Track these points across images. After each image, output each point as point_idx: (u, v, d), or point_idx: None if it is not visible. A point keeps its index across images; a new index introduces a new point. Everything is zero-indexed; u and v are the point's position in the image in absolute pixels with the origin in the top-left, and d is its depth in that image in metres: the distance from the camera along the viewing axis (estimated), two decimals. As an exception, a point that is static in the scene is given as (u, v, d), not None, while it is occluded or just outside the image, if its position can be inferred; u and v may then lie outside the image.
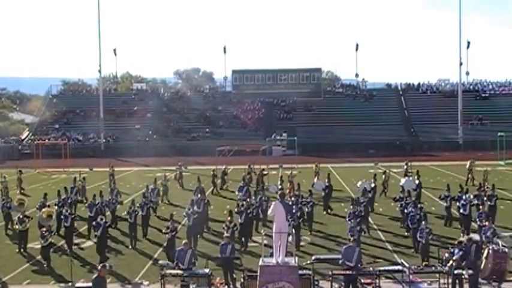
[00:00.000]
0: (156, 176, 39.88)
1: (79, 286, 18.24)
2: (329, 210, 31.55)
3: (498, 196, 29.00)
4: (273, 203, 16.96)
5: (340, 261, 18.04)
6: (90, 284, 18.43)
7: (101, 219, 22.86)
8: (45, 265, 21.94)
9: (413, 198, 28.94)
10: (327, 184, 33.13)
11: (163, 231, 22.68)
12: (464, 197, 26.51)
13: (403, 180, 34.78)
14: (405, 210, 25.84)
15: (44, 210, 25.18)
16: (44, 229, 22.53)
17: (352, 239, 18.99)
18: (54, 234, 23.55)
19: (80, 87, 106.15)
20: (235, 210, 24.89)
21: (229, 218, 23.14)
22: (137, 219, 25.91)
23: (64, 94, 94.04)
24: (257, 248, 22.30)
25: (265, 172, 41.58)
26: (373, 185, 32.97)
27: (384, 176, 37.33)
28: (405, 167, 43.19)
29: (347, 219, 24.32)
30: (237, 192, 32.77)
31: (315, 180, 36.50)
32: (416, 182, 33.85)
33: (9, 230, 28.25)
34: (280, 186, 32.63)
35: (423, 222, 21.71)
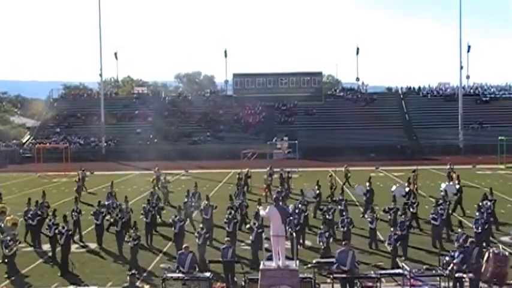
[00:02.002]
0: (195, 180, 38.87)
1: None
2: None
3: None
4: (268, 207, 17.00)
5: (335, 266, 18.02)
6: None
7: (63, 227, 22.23)
8: (8, 276, 21.39)
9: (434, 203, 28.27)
10: (368, 188, 32.34)
11: (126, 239, 22.47)
12: (481, 204, 26.18)
13: (443, 185, 34.05)
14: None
15: (8, 218, 24.37)
16: (8, 238, 21.79)
17: (344, 242, 18.97)
18: (19, 243, 23.08)
19: (81, 91, 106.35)
20: (225, 220, 24.68)
21: (201, 225, 22.95)
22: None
23: (65, 98, 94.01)
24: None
25: (290, 175, 41.53)
26: (407, 189, 32.42)
27: (413, 175, 37.28)
28: (448, 167, 43.08)
29: (339, 225, 24.13)
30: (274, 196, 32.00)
31: (356, 184, 36.02)
32: (457, 186, 32.99)
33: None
34: (317, 191, 32.04)
35: (392, 229, 21.89)
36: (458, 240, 20.33)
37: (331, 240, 21.81)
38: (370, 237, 24.53)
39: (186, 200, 29.44)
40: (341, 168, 42.83)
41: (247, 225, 23.29)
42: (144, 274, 20.67)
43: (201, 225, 22.97)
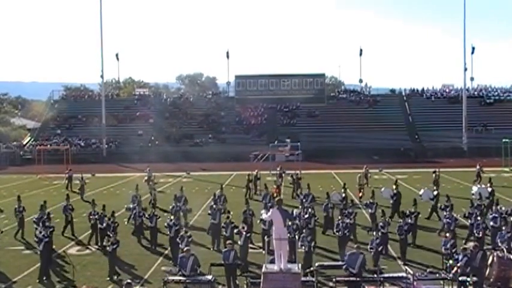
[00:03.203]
0: (220, 182, 37.84)
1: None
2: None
3: None
4: (271, 210, 16.81)
5: (344, 268, 18.06)
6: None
7: (40, 232, 21.86)
8: None
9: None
10: (395, 191, 31.82)
11: (104, 243, 22.14)
12: (494, 209, 25.66)
13: (475, 188, 33.64)
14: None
15: None
16: None
17: (356, 245, 18.81)
18: None
19: (82, 92, 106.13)
20: (222, 224, 24.31)
21: (184, 229, 22.58)
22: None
23: (66, 99, 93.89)
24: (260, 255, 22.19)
25: (299, 176, 41.19)
26: (435, 192, 31.95)
27: (434, 176, 36.84)
28: (477, 168, 42.72)
29: (334, 230, 23.70)
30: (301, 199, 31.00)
31: (383, 188, 35.35)
32: (489, 189, 32.28)
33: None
34: (343, 195, 31.44)
35: (374, 233, 21.78)
36: (446, 245, 20.21)
37: (313, 244, 21.50)
38: (382, 242, 24.15)
39: (212, 203, 28.93)
40: (361, 170, 42.38)
41: (236, 229, 22.99)
42: (130, 279, 20.35)
43: (184, 229, 22.67)
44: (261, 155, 54.00)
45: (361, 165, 54.37)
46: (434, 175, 37.52)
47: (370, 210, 27.65)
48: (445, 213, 26.48)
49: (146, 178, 41.80)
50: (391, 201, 31.33)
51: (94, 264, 23.03)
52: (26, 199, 31.48)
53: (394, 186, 32.44)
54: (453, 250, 19.87)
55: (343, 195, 31.45)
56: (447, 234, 21.21)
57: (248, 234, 22.47)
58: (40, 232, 21.86)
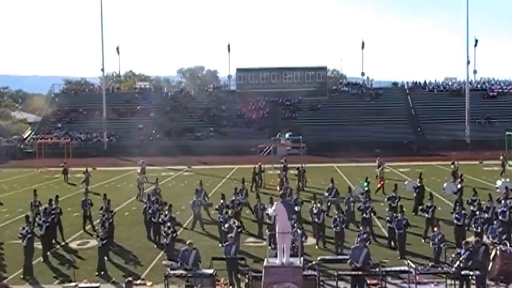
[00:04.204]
0: (242, 178, 35.17)
1: (82, 287, 17.99)
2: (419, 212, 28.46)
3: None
4: (275, 203, 16.73)
5: (348, 262, 17.95)
6: (93, 285, 18.20)
7: (23, 228, 21.49)
8: None
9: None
10: (418, 184, 31.50)
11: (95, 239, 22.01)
12: (504, 203, 25.27)
13: (499, 182, 32.92)
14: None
15: None
16: None
17: (358, 239, 18.73)
18: None
19: (82, 86, 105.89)
20: (221, 219, 24.14)
21: (168, 224, 22.48)
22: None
23: (66, 93, 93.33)
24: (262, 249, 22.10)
25: (304, 169, 41.04)
26: (459, 186, 31.50)
27: (452, 167, 36.59)
28: (501, 158, 42.75)
29: (332, 225, 23.25)
30: (326, 194, 30.14)
31: (406, 181, 35.05)
32: None
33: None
34: (366, 188, 30.99)
35: (361, 227, 21.61)
36: (434, 240, 20.14)
37: (303, 238, 21.32)
38: (389, 236, 23.99)
39: (233, 198, 28.46)
40: (374, 164, 42.13)
41: (226, 224, 22.81)
42: (130, 275, 20.23)
43: (168, 224, 22.53)
44: (267, 147, 53.85)
45: (364, 158, 54.52)
46: (453, 166, 37.11)
47: (392, 204, 27.33)
48: (471, 207, 25.74)
49: (139, 170, 41.68)
50: (414, 194, 31.11)
51: (95, 259, 22.86)
52: (27, 193, 31.42)
53: (418, 180, 32.12)
54: (441, 245, 19.93)
55: (366, 188, 31.03)
56: (435, 229, 21.05)
57: (239, 230, 22.38)
58: (23, 228, 21.55)
